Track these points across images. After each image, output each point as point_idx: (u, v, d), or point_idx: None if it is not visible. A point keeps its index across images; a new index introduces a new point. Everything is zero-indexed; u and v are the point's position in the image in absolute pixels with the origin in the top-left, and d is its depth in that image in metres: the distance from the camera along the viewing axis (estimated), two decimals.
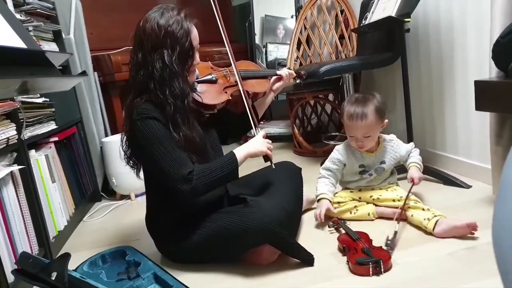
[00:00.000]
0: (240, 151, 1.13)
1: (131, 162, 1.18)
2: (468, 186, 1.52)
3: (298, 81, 1.47)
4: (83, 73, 0.93)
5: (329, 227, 1.28)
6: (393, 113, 2.10)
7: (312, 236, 1.28)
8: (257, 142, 1.16)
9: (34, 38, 1.44)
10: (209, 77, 1.29)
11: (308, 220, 1.40)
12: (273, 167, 1.19)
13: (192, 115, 1.11)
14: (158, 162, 1.04)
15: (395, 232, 1.05)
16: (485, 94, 1.19)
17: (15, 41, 0.67)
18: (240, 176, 1.42)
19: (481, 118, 1.48)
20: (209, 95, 1.22)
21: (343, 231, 1.22)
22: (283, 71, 1.38)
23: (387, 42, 1.82)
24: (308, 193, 1.43)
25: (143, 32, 1.05)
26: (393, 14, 1.48)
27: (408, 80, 1.63)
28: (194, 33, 1.11)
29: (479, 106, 1.22)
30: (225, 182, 1.12)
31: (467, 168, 1.62)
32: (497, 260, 0.40)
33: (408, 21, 1.50)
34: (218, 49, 2.43)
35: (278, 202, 1.13)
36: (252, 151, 1.14)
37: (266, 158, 1.18)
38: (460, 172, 1.64)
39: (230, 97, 1.28)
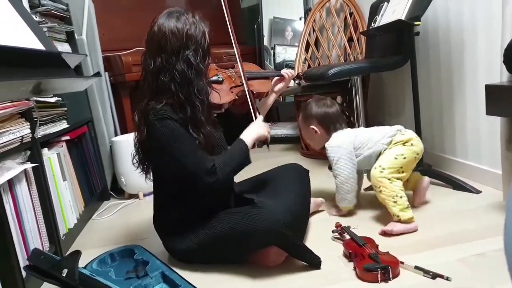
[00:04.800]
0: (247, 137, 1.19)
1: (141, 166, 1.20)
2: (478, 191, 1.51)
3: (297, 81, 1.51)
4: (97, 74, 0.95)
5: (332, 232, 1.28)
6: (401, 116, 2.09)
7: (319, 239, 1.28)
8: (259, 127, 1.24)
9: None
10: (215, 78, 1.34)
11: (315, 222, 1.40)
12: (268, 149, 1.29)
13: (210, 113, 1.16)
14: (181, 159, 1.07)
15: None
16: (496, 99, 1.18)
17: (33, 43, 0.68)
18: (247, 177, 1.44)
19: (492, 122, 1.46)
20: (217, 95, 1.25)
21: (347, 237, 1.21)
22: (284, 71, 1.41)
23: (396, 45, 1.81)
24: (315, 196, 1.43)
25: (162, 37, 1.06)
26: (403, 17, 1.47)
27: (417, 83, 1.62)
28: (208, 32, 1.14)
29: (490, 111, 1.21)
30: (241, 168, 1.16)
31: (476, 173, 1.60)
32: (509, 266, 0.40)
33: (418, 25, 1.49)
34: (227, 51, 2.44)
35: (285, 204, 1.13)
36: (257, 135, 1.22)
37: (263, 141, 1.27)
38: (469, 177, 1.62)
39: (236, 97, 1.32)
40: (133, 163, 1.20)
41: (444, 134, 1.79)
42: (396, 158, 1.32)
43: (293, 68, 2.61)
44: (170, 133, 1.06)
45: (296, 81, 1.51)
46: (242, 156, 1.14)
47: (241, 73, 1.30)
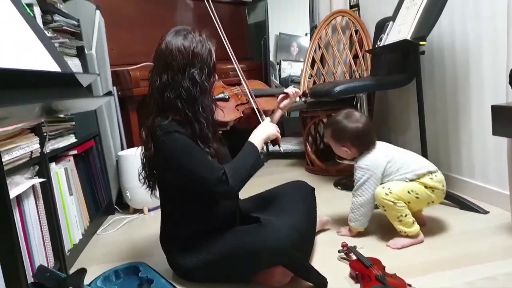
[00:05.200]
0: (256, 138, 1.18)
1: (147, 182, 1.20)
2: (485, 212, 1.49)
3: (303, 99, 1.53)
4: (109, 94, 0.96)
5: (339, 252, 1.26)
6: (407, 134, 2.09)
7: (325, 258, 1.26)
8: (268, 126, 1.23)
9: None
10: (221, 95, 1.36)
11: (321, 242, 1.38)
12: (282, 151, 1.28)
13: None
14: (191, 171, 1.07)
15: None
16: (502, 119, 1.18)
17: (48, 62, 0.70)
18: (252, 194, 1.44)
19: (499, 142, 1.46)
20: (222, 112, 1.26)
21: (354, 257, 1.20)
22: (289, 89, 1.43)
23: (402, 64, 1.83)
24: (321, 214, 1.42)
25: (169, 54, 1.08)
26: (409, 37, 1.49)
27: (423, 101, 1.63)
28: (214, 50, 1.16)
29: (496, 131, 1.21)
30: (254, 172, 1.14)
31: (484, 192, 1.59)
32: None
33: (424, 44, 1.51)
34: (233, 67, 2.47)
35: (291, 223, 1.13)
36: (266, 135, 1.21)
37: (274, 142, 1.26)
38: (476, 196, 1.61)
39: (242, 114, 1.33)
40: (139, 180, 1.20)
41: (450, 153, 1.78)
42: (409, 193, 1.29)
43: (298, 83, 2.64)
44: (177, 146, 1.07)
45: (303, 99, 1.52)
46: (252, 158, 1.12)
47: (247, 89, 1.32)
